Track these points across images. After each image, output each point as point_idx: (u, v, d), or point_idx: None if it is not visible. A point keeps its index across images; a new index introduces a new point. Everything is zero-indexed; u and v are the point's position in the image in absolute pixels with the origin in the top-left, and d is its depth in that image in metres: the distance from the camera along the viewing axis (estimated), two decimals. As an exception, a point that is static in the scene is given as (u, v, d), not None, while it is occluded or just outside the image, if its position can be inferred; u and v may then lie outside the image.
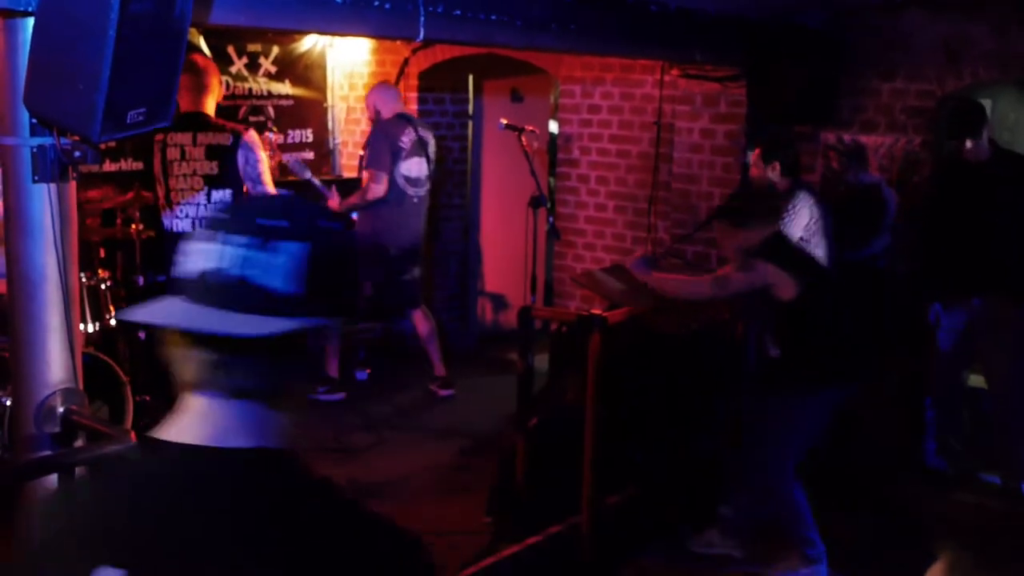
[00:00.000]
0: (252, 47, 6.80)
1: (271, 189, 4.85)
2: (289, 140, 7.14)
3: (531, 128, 5.54)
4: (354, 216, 6.09)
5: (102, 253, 5.10)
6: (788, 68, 5.28)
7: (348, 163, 7.45)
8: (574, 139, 6.79)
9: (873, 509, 4.70)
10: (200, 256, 1.10)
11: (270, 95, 6.97)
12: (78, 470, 2.36)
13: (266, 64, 6.92)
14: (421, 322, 6.14)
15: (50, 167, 2.59)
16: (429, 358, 6.18)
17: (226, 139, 4.73)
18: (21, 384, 2.69)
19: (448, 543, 4.23)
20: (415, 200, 5.96)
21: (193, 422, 1.12)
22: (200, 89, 4.72)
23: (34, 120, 2.55)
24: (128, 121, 2.42)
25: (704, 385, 4.82)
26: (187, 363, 1.12)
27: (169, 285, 1.15)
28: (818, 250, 4.72)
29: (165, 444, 1.12)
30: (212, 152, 4.72)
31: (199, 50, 6.08)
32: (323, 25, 3.83)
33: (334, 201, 5.95)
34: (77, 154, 2.61)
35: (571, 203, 6.86)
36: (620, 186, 6.57)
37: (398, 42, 6.62)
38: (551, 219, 5.72)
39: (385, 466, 5.13)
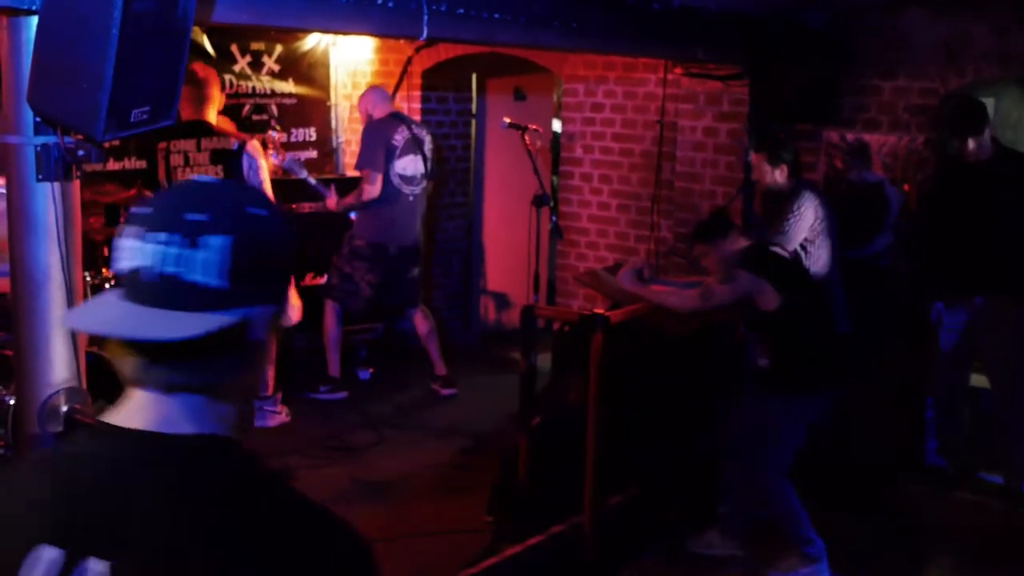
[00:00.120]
0: (255, 45, 6.81)
1: (271, 197, 4.87)
2: (292, 139, 7.14)
3: (534, 127, 5.54)
4: (352, 216, 6.10)
5: (105, 252, 5.11)
6: (790, 66, 5.28)
7: (351, 161, 7.43)
8: (577, 138, 6.79)
9: (873, 508, 4.70)
10: (128, 254, 1.10)
11: (273, 94, 6.97)
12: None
13: (269, 63, 6.92)
14: (420, 322, 6.15)
15: (54, 166, 2.59)
16: (429, 358, 6.18)
17: (230, 144, 4.74)
18: (24, 383, 2.70)
19: (449, 542, 4.24)
20: (411, 198, 5.95)
21: (137, 410, 1.12)
22: (201, 100, 4.74)
23: (38, 119, 2.56)
24: (132, 120, 2.42)
25: (706, 385, 4.82)
26: (122, 362, 1.12)
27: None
28: (822, 251, 4.71)
29: (110, 427, 1.12)
30: (217, 157, 4.73)
31: (202, 49, 6.10)
32: (326, 23, 3.84)
33: (332, 200, 5.95)
34: (81, 153, 2.61)
35: (574, 202, 6.86)
36: (623, 185, 6.57)
37: (401, 41, 6.62)
38: (554, 218, 5.72)
39: (387, 465, 5.13)
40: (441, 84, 7.32)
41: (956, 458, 5.07)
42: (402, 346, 6.88)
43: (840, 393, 4.04)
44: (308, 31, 6.55)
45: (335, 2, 3.38)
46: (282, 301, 1.17)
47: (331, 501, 4.02)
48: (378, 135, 5.81)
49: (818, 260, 4.71)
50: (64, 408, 2.66)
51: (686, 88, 6.02)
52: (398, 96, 7.09)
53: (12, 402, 3.77)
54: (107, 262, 5.08)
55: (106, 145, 2.65)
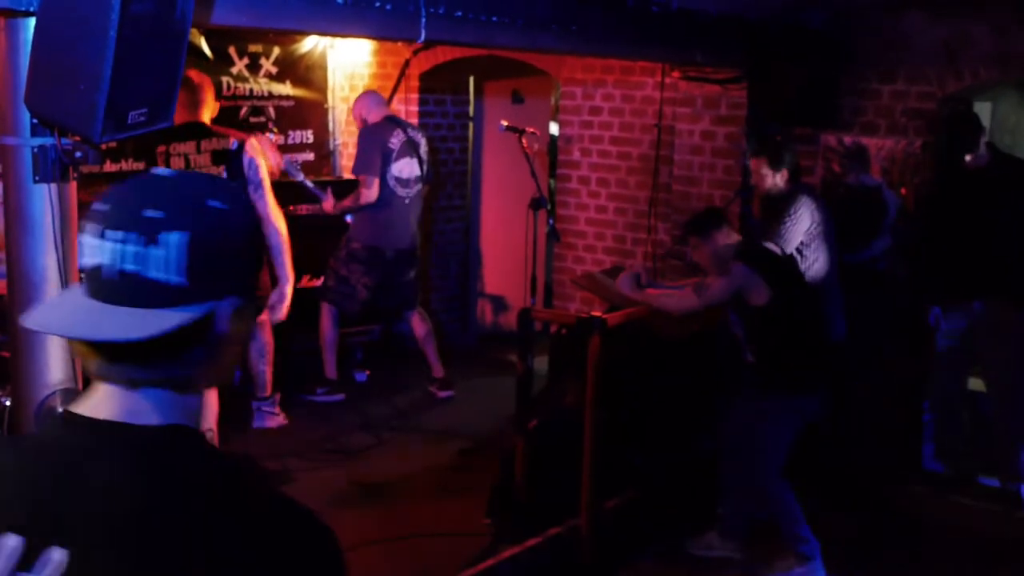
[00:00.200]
0: (253, 48, 6.81)
1: (271, 197, 4.84)
2: (290, 141, 7.14)
3: (532, 130, 5.54)
4: (348, 219, 6.09)
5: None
6: (789, 69, 5.28)
7: (348, 164, 7.43)
8: (575, 141, 6.79)
9: (871, 511, 4.71)
10: (89, 251, 1.10)
11: (271, 96, 6.97)
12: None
13: (267, 65, 6.92)
14: (418, 324, 6.14)
15: (51, 167, 2.59)
16: (427, 360, 6.18)
17: (232, 144, 4.72)
18: (21, 384, 2.69)
19: (447, 544, 4.24)
20: (406, 201, 5.94)
21: (103, 401, 1.13)
22: (195, 104, 4.71)
23: (35, 120, 2.55)
24: (129, 121, 2.42)
25: (703, 387, 4.82)
26: (86, 360, 1.13)
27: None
28: (819, 255, 4.72)
29: (76, 417, 1.13)
30: (218, 157, 4.70)
31: (200, 51, 6.10)
32: (324, 26, 3.83)
33: (328, 203, 5.95)
34: (78, 154, 2.61)
35: (571, 205, 6.87)
36: (621, 188, 6.57)
37: (399, 43, 6.62)
38: (551, 221, 5.73)
39: (384, 467, 5.13)
40: (439, 87, 7.32)
41: (954, 462, 5.07)
42: (399, 348, 6.88)
43: (826, 394, 4.05)
44: (306, 33, 6.54)
45: (333, 4, 3.38)
46: (248, 293, 1.16)
47: (329, 503, 4.04)
48: (374, 139, 5.80)
49: (815, 264, 4.72)
50: (60, 410, 2.65)
51: (684, 91, 6.03)
52: (395, 99, 7.10)
53: (8, 403, 3.76)
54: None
55: (103, 147, 2.64)
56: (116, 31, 2.26)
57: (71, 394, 2.69)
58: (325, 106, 7.38)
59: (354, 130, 6.99)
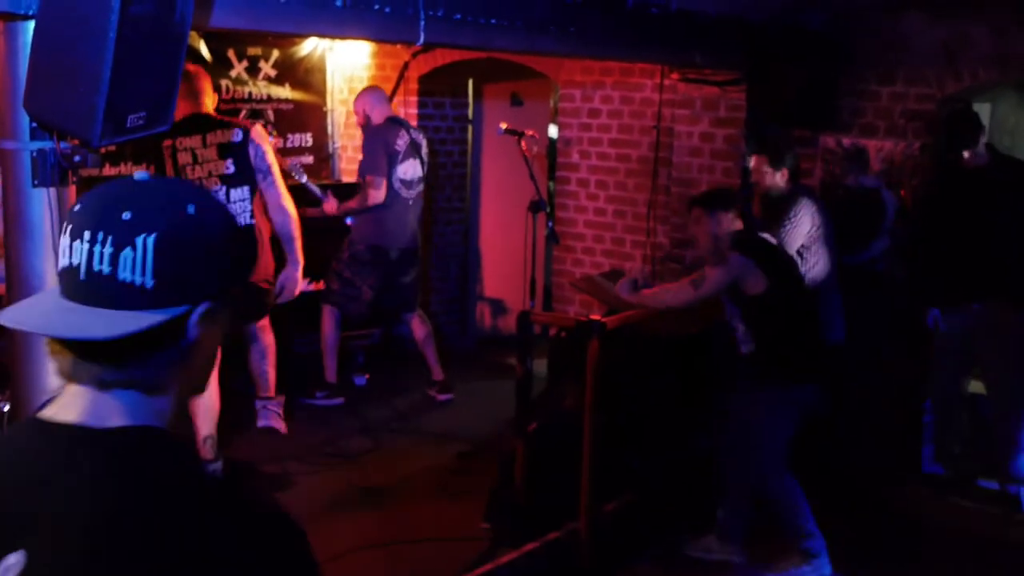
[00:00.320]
0: (252, 51, 6.80)
1: (280, 181, 4.82)
2: (289, 144, 7.14)
3: (531, 132, 5.54)
4: (349, 221, 6.09)
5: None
6: (788, 70, 5.28)
7: (347, 167, 7.44)
8: (574, 143, 6.79)
9: (869, 513, 4.70)
10: (65, 251, 1.12)
11: (270, 99, 6.97)
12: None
13: (266, 68, 6.92)
14: (418, 327, 6.14)
15: (50, 171, 2.59)
16: (427, 363, 6.18)
17: (236, 136, 4.69)
18: (20, 389, 2.69)
19: (446, 548, 4.23)
20: (409, 202, 5.96)
21: (71, 404, 1.14)
22: (195, 94, 4.68)
23: (34, 124, 2.55)
24: (128, 125, 2.42)
25: (703, 390, 4.82)
26: (57, 359, 1.14)
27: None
28: (819, 257, 4.72)
29: (40, 421, 1.14)
30: (224, 151, 4.67)
31: (198, 54, 6.09)
32: (323, 28, 3.83)
33: (331, 205, 5.95)
34: (77, 158, 2.61)
35: (570, 207, 6.86)
36: (619, 190, 6.57)
37: (398, 46, 6.62)
38: (550, 223, 5.72)
39: (384, 470, 5.12)
40: (438, 90, 7.32)
41: (953, 464, 5.07)
42: (399, 351, 6.88)
43: (825, 391, 4.04)
44: (306, 36, 6.54)
45: (333, 7, 3.37)
46: (222, 298, 1.17)
47: (328, 507, 4.03)
48: (381, 140, 5.81)
49: (815, 266, 4.72)
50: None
51: (683, 93, 6.03)
52: (395, 101, 7.09)
53: (7, 408, 3.76)
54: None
55: (102, 150, 2.64)
56: (115, 34, 2.25)
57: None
58: (324, 109, 7.38)
59: (354, 133, 7.01)
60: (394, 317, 6.42)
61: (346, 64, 7.41)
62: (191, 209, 1.13)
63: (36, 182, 2.58)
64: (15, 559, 1.03)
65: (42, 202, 2.59)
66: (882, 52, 5.41)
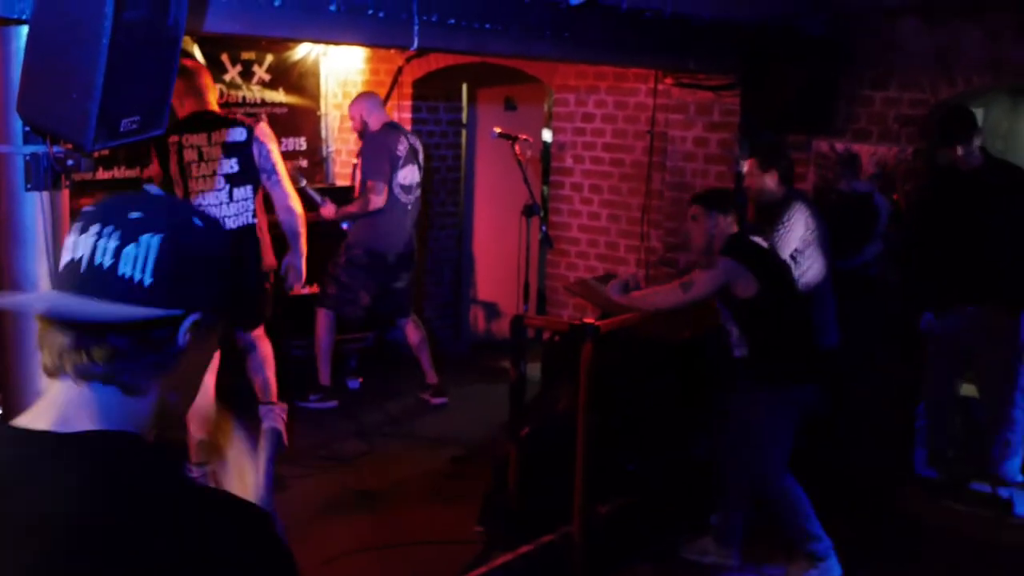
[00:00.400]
0: (246, 55, 6.81)
1: (286, 180, 4.78)
2: (283, 148, 7.10)
3: (525, 137, 5.54)
4: (345, 226, 6.09)
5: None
6: (782, 75, 5.29)
7: (341, 171, 7.45)
8: (568, 148, 6.80)
9: (864, 515, 4.70)
10: (69, 248, 1.15)
11: (264, 103, 6.97)
12: None
13: (260, 72, 6.92)
14: (412, 332, 6.14)
15: (43, 175, 2.59)
16: (421, 367, 6.18)
17: (241, 135, 4.64)
18: (12, 394, 2.68)
19: (440, 551, 4.23)
20: (408, 207, 5.98)
21: (44, 409, 1.15)
22: (198, 91, 4.61)
23: (27, 128, 2.55)
24: (122, 129, 2.41)
25: (698, 392, 4.82)
26: (46, 348, 1.15)
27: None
28: (812, 261, 4.73)
29: (12, 430, 1.16)
30: (229, 149, 4.62)
31: (192, 58, 6.09)
32: (317, 33, 3.83)
33: (328, 210, 5.95)
34: (70, 162, 2.60)
35: (564, 212, 6.87)
36: (614, 195, 6.58)
37: (392, 51, 6.63)
38: (544, 228, 5.72)
39: (377, 474, 5.12)
40: (432, 94, 7.33)
41: (946, 467, 5.08)
42: (393, 355, 6.88)
43: (823, 393, 4.04)
44: (299, 41, 6.55)
45: (327, 12, 3.38)
46: (214, 314, 1.19)
47: (322, 510, 4.03)
48: (383, 146, 5.82)
49: (809, 270, 4.73)
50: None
51: (677, 98, 6.04)
52: (389, 106, 7.09)
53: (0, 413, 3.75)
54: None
55: (95, 154, 2.64)
56: (109, 39, 2.25)
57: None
58: (318, 113, 7.39)
59: (348, 137, 7.02)
60: (388, 322, 6.42)
61: (340, 68, 7.41)
62: (197, 222, 1.18)
63: (29, 186, 2.58)
64: None
65: (35, 206, 2.59)
66: (876, 59, 5.43)
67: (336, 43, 6.31)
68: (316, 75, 7.33)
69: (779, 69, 5.27)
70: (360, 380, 6.54)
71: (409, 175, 5.94)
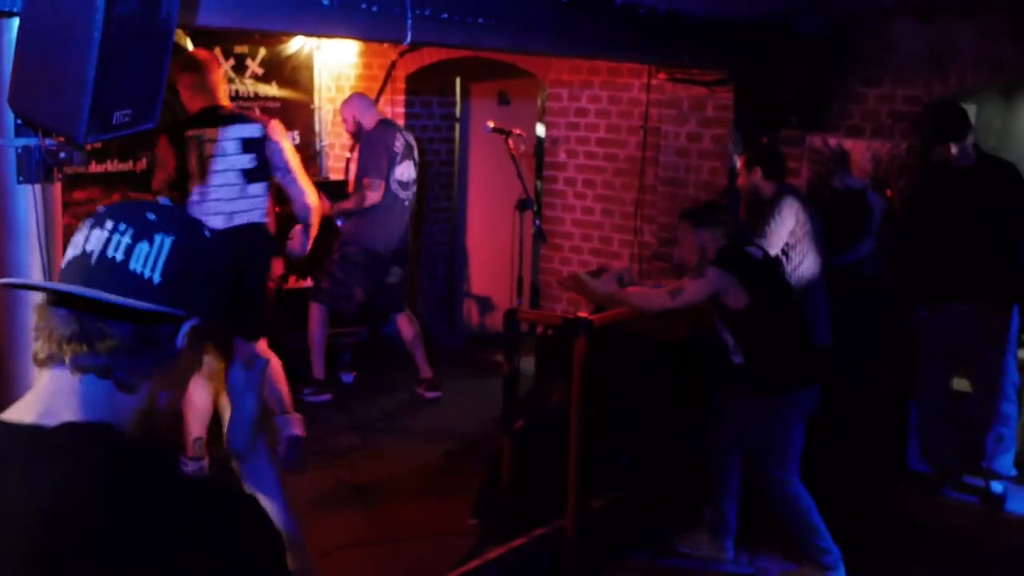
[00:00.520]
0: (239, 49, 6.79)
1: (302, 176, 4.77)
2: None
3: (518, 131, 5.55)
4: (339, 223, 6.08)
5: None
6: (776, 72, 5.30)
7: (335, 165, 7.44)
8: (561, 142, 6.80)
9: (856, 512, 4.72)
10: (80, 241, 1.17)
11: (257, 97, 6.96)
12: None
13: (253, 66, 6.90)
14: (406, 326, 6.15)
15: (35, 168, 2.58)
16: (415, 361, 6.18)
17: (257, 131, 4.61)
18: (5, 390, 2.68)
19: (434, 545, 4.24)
20: (405, 203, 5.99)
21: (31, 404, 1.16)
22: (210, 86, 4.56)
23: (19, 121, 2.54)
24: (114, 122, 2.41)
25: (689, 388, 4.83)
26: (43, 335, 1.17)
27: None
28: (805, 255, 4.74)
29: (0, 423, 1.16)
30: (246, 145, 4.59)
31: (186, 51, 6.07)
32: (310, 27, 3.83)
33: (324, 206, 5.94)
34: (62, 155, 2.60)
35: (558, 206, 6.87)
36: (607, 189, 6.59)
37: (385, 45, 6.62)
38: (538, 222, 5.73)
39: (371, 468, 5.12)
40: (425, 88, 7.32)
41: (940, 462, 5.10)
42: (386, 349, 6.88)
43: (816, 388, 4.04)
44: (292, 34, 6.53)
45: (319, 5, 3.37)
46: (209, 323, 1.23)
47: (315, 504, 4.02)
48: (380, 143, 5.82)
49: (800, 265, 4.74)
50: None
51: (670, 93, 6.05)
52: (382, 100, 7.10)
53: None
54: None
55: (88, 147, 2.64)
56: (101, 32, 2.25)
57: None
58: (311, 107, 7.38)
59: (341, 132, 7.00)
60: (382, 317, 6.42)
61: (333, 62, 7.40)
62: (207, 234, 1.23)
63: (21, 179, 2.57)
64: None
65: (27, 199, 2.59)
66: (870, 57, 5.44)
67: (329, 37, 6.31)
68: (310, 69, 7.32)
69: (779, 69, 5.28)
70: (354, 374, 6.54)
71: (406, 171, 5.94)
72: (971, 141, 4.75)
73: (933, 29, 5.25)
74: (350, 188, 6.28)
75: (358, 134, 5.95)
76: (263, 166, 4.64)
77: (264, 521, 1.18)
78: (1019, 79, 5.59)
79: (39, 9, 2.35)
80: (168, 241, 1.16)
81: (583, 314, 4.20)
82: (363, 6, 3.43)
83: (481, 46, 4.42)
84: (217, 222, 4.50)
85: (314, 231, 4.93)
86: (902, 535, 4.56)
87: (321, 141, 7.48)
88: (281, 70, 7.10)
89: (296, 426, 5.11)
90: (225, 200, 4.53)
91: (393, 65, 7.08)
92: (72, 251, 1.17)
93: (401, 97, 7.22)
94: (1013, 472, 4.93)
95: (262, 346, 4.79)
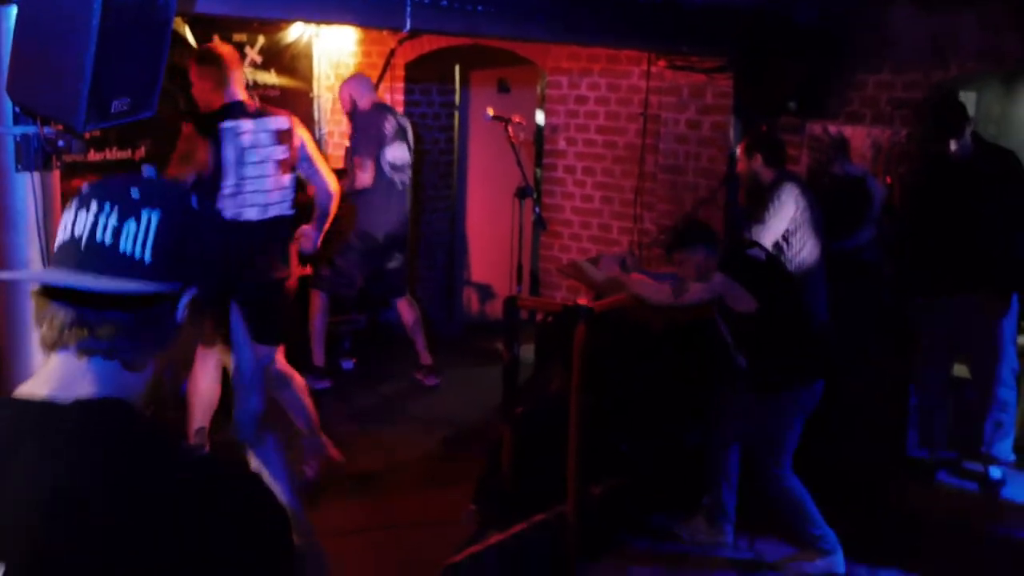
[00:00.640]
0: (238, 37, 6.77)
1: (323, 164, 4.73)
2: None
3: (518, 119, 5.54)
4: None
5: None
6: (776, 59, 5.29)
7: (334, 153, 7.43)
8: (561, 130, 6.79)
9: (856, 498, 4.72)
10: (68, 224, 1.17)
11: (256, 85, 6.94)
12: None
13: (252, 54, 6.88)
14: (406, 311, 6.15)
15: (33, 156, 2.58)
16: (415, 347, 6.19)
17: (285, 123, 4.55)
18: (5, 380, 2.68)
19: (434, 532, 4.25)
20: (400, 187, 5.99)
21: (44, 380, 1.17)
22: (231, 82, 4.41)
23: (17, 109, 2.54)
24: (112, 110, 2.41)
25: (689, 375, 4.84)
26: (45, 322, 1.17)
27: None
28: (805, 241, 4.73)
29: (12, 400, 1.17)
30: (278, 137, 4.53)
31: (184, 41, 6.05)
32: (309, 14, 3.83)
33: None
34: (61, 143, 2.60)
35: (557, 194, 6.87)
36: (606, 177, 6.58)
37: (384, 32, 6.61)
38: (537, 209, 5.73)
39: (371, 455, 5.13)
40: (424, 76, 7.30)
41: (938, 448, 5.11)
42: (386, 336, 6.89)
43: (818, 385, 4.04)
44: (291, 21, 6.52)
45: (318, -8, 3.37)
46: (209, 292, 1.22)
47: (315, 491, 4.01)
48: (371, 123, 5.82)
49: (801, 251, 4.73)
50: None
51: (670, 81, 6.03)
52: (381, 88, 7.08)
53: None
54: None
55: (86, 135, 2.64)
56: (99, 20, 2.25)
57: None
58: (310, 95, 7.36)
59: (340, 119, 7.00)
60: (382, 303, 6.43)
61: (333, 50, 7.38)
62: (194, 202, 1.21)
63: (19, 167, 2.58)
64: None
65: (26, 187, 2.59)
66: (871, 43, 5.42)
67: (329, 23, 6.30)
68: (309, 57, 7.30)
69: (778, 64, 5.27)
70: (354, 361, 6.55)
71: (399, 153, 5.93)
72: (969, 132, 4.75)
73: (933, 20, 5.23)
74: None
75: (353, 113, 5.94)
76: (292, 159, 4.63)
77: (269, 497, 1.18)
78: (1021, 69, 5.57)
79: (37, -3, 2.35)
80: (155, 216, 1.15)
81: (583, 301, 4.20)
82: (362, -7, 3.43)
83: (480, 33, 4.41)
84: (252, 214, 4.43)
85: (331, 219, 4.91)
86: (902, 528, 4.55)
87: (320, 129, 7.47)
88: (280, 58, 7.08)
89: (327, 449, 4.95)
90: (262, 192, 4.49)
91: (392, 53, 7.06)
92: (62, 234, 1.17)
93: (400, 85, 7.21)
94: (1012, 458, 4.95)
95: (282, 359, 4.74)
